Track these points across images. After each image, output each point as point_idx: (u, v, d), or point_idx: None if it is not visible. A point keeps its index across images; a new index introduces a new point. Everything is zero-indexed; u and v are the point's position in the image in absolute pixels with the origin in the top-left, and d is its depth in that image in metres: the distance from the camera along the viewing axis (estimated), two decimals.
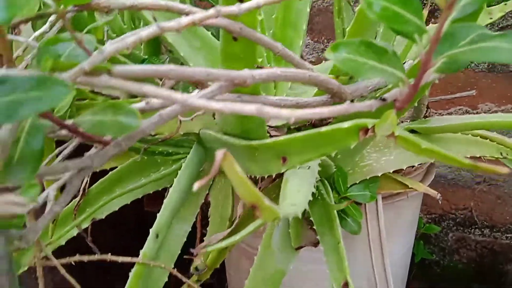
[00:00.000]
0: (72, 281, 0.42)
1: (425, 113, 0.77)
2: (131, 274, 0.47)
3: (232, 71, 0.30)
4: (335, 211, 0.55)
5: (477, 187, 1.02)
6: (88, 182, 0.70)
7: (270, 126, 0.61)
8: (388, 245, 0.70)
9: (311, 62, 1.08)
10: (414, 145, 0.32)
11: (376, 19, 0.22)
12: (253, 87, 0.43)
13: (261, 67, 0.40)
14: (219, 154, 0.23)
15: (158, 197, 0.67)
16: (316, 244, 0.58)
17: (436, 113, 1.01)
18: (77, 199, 0.69)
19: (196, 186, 0.23)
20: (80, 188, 0.70)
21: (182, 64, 0.66)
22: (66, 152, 0.41)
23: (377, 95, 0.48)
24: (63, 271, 0.42)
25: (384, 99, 0.29)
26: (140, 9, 0.32)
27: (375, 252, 0.67)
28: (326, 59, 0.82)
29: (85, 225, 0.69)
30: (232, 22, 0.34)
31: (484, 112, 0.97)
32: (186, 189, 0.63)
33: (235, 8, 0.27)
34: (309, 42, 1.09)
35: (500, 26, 0.93)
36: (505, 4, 0.74)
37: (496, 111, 0.97)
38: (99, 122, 0.28)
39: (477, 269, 1.06)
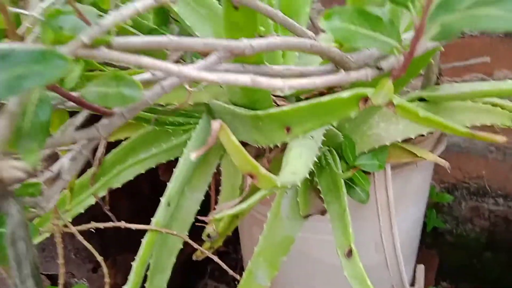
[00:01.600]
0: (89, 246, 0.45)
1: (437, 81, 0.76)
2: (143, 241, 0.49)
3: (230, 40, 0.30)
4: (342, 180, 0.55)
5: (491, 156, 1.01)
6: (103, 152, 0.72)
7: (278, 96, 0.62)
8: (397, 214, 0.71)
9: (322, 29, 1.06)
10: (412, 113, 0.32)
11: None
12: (257, 57, 0.44)
13: (262, 36, 0.40)
14: (216, 124, 0.24)
15: (172, 166, 0.68)
16: (323, 212, 0.60)
17: (450, 80, 0.99)
18: (93, 168, 0.71)
19: (193, 156, 0.24)
20: (95, 158, 0.72)
21: (189, 34, 0.67)
22: (77, 122, 0.42)
23: None
24: (80, 237, 0.44)
25: (380, 68, 0.29)
26: None
27: (384, 221, 0.68)
28: None
29: (102, 193, 0.71)
30: None
31: (500, 79, 0.95)
32: (196, 158, 0.64)
33: None
34: (321, 9, 1.08)
35: None
36: None
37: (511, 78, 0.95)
38: (103, 94, 0.30)
39: (490, 238, 1.07)
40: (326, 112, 0.38)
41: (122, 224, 0.46)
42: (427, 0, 0.23)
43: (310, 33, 0.40)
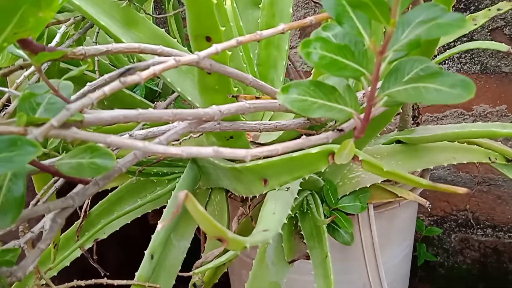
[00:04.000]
0: None
1: (417, 120, 0.79)
2: None
3: (198, 110, 0.32)
4: (324, 226, 0.56)
5: (477, 188, 1.03)
6: (89, 204, 0.73)
7: (259, 144, 0.63)
8: (384, 252, 0.71)
9: (305, 72, 1.10)
10: (376, 168, 0.34)
11: (316, 67, 0.24)
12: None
13: (236, 96, 0.42)
14: (181, 194, 0.26)
15: (162, 210, 0.69)
16: (308, 257, 0.60)
17: (431, 116, 1.02)
18: (79, 221, 0.72)
19: (159, 226, 0.25)
20: (82, 210, 0.72)
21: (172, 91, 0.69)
22: (58, 185, 0.44)
23: None
24: None
25: (341, 130, 0.31)
26: (115, 53, 0.35)
27: (370, 261, 0.69)
28: None
29: (88, 245, 0.72)
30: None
31: (479, 113, 0.98)
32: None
33: (194, 56, 0.29)
34: None
35: (490, 28, 0.93)
36: (489, 10, 0.75)
37: (491, 112, 0.97)
38: (77, 165, 0.31)
39: (482, 269, 1.07)
40: (299, 167, 0.39)
41: (104, 280, 0.47)
42: (374, 75, 0.25)
43: None
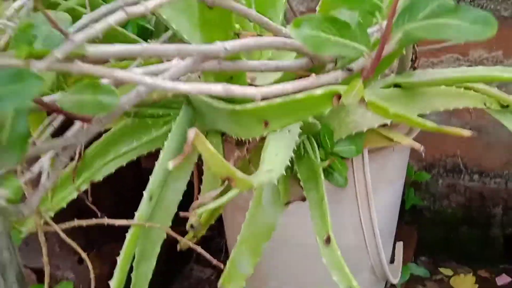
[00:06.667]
0: (73, 244, 0.45)
1: (413, 64, 0.78)
2: (128, 236, 0.50)
3: (203, 45, 0.31)
4: (320, 169, 0.57)
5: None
6: (83, 145, 0.72)
7: (256, 86, 0.62)
8: (375, 196, 0.73)
9: (302, 12, 1.07)
10: (382, 110, 0.33)
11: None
12: None
13: (238, 34, 0.41)
14: (191, 132, 0.25)
15: (155, 153, 0.68)
16: (304, 199, 0.61)
17: (427, 61, 1.01)
18: (74, 162, 0.71)
19: (171, 165, 0.24)
20: (76, 152, 0.72)
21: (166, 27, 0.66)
22: (56, 124, 0.43)
23: None
24: (63, 235, 0.45)
25: (350, 69, 0.30)
26: None
27: (362, 203, 0.70)
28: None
29: (84, 187, 0.72)
30: None
31: (475, 59, 0.97)
32: (177, 149, 0.65)
33: None
34: None
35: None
36: None
37: (486, 58, 0.97)
38: (79, 102, 0.30)
39: (466, 213, 1.11)
40: (301, 108, 0.39)
41: (105, 220, 0.47)
42: (391, 10, 0.24)
43: (284, 29, 0.40)
